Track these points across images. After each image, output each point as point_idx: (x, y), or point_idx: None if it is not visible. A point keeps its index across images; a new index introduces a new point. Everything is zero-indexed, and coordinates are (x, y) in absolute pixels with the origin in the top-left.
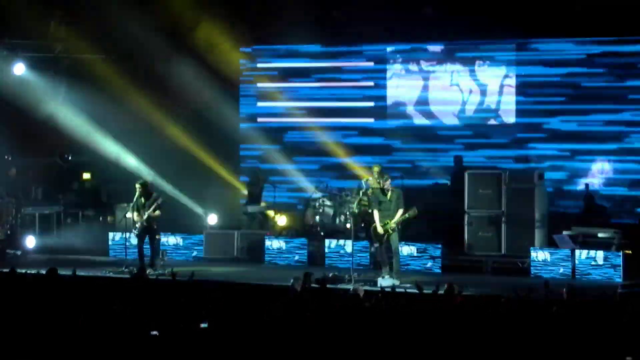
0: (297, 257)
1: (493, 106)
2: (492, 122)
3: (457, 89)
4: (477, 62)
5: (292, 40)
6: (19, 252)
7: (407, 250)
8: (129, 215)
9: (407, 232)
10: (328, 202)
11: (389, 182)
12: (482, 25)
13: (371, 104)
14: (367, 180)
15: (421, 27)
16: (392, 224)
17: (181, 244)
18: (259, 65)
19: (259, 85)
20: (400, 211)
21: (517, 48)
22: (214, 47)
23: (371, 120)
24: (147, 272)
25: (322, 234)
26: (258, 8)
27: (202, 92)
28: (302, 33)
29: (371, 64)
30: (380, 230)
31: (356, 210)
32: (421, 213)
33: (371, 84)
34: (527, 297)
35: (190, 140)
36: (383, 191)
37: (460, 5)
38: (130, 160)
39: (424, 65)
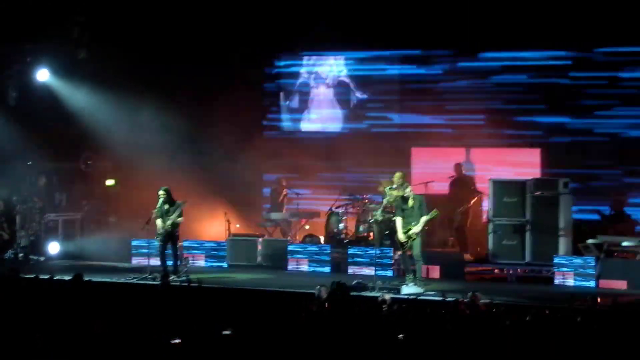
0: (320, 265)
1: None
2: None
3: None
4: None
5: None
6: (42, 258)
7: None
8: (153, 221)
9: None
10: (351, 210)
11: (409, 189)
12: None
13: None
14: (389, 187)
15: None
16: (416, 229)
17: (204, 250)
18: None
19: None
20: (424, 218)
21: None
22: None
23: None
24: (171, 278)
25: (345, 241)
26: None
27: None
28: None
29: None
30: (402, 237)
31: (379, 218)
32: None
33: None
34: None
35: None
36: (404, 199)
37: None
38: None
39: None
